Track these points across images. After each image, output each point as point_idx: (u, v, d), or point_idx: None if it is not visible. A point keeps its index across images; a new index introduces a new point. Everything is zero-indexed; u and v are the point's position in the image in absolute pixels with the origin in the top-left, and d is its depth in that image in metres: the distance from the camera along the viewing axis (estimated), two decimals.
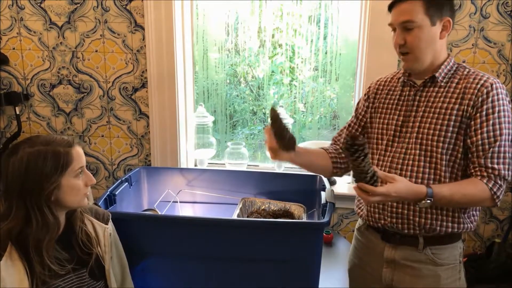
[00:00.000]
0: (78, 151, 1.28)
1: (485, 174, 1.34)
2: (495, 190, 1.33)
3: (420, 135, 1.43)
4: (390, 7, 1.42)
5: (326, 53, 2.50)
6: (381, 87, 1.59)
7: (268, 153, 1.53)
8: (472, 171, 1.37)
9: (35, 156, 1.21)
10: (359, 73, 2.30)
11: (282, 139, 1.41)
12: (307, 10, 2.46)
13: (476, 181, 1.35)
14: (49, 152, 1.22)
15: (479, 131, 1.35)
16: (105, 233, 1.38)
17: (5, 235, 1.20)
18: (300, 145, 2.41)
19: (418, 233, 1.46)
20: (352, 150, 1.23)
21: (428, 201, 1.30)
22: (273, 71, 2.63)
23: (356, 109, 1.66)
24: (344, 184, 2.44)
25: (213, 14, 2.52)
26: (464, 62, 2.13)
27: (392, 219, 1.47)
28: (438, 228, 1.43)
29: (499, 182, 1.34)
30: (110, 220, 1.44)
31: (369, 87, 1.64)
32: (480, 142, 1.35)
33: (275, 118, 1.40)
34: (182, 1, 2.32)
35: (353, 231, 2.40)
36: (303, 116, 2.66)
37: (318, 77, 2.54)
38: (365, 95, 1.64)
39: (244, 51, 2.61)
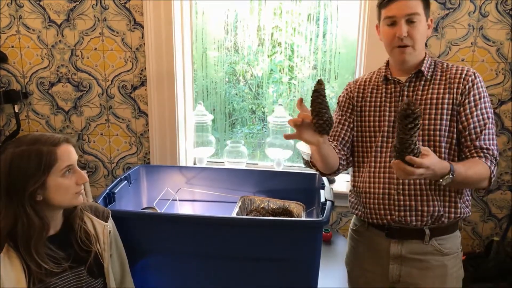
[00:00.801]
0: (65, 149, 1.26)
1: (481, 154, 1.44)
2: (492, 168, 1.43)
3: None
4: (390, 0, 1.45)
5: (325, 52, 2.50)
6: (362, 87, 1.63)
7: (289, 129, 1.43)
8: (468, 154, 1.46)
9: (19, 156, 1.21)
10: (358, 71, 2.30)
11: (320, 118, 1.29)
12: (307, 8, 2.45)
13: (479, 161, 1.43)
14: (32, 152, 1.21)
15: (470, 116, 1.46)
16: (105, 231, 1.38)
17: (1, 234, 1.21)
18: (300, 143, 2.42)
19: (425, 224, 1.51)
20: (413, 117, 1.19)
21: (451, 176, 1.33)
22: (272, 70, 2.63)
23: (340, 107, 1.66)
24: (343, 183, 2.44)
25: (212, 13, 2.52)
26: (463, 60, 2.14)
27: (400, 212, 1.51)
28: (444, 214, 1.50)
29: (494, 161, 1.45)
30: (110, 217, 1.44)
31: (349, 87, 1.67)
32: (472, 126, 1.45)
33: (320, 92, 1.28)
34: None
35: None
36: None
37: (317, 75, 2.54)
38: (346, 94, 1.66)
39: (243, 49, 2.61)
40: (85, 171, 2.49)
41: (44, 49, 2.43)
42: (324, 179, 1.87)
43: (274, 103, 2.62)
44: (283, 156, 2.48)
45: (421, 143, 1.47)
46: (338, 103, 1.68)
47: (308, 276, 1.57)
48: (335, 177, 2.44)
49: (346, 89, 1.67)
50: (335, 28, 2.44)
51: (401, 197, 1.51)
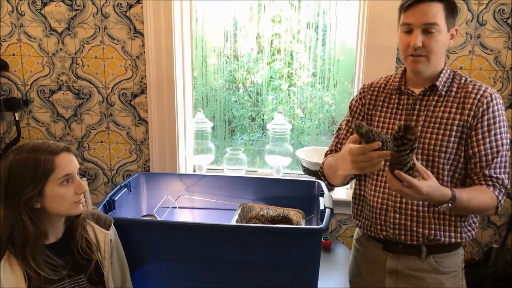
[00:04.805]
0: (64, 158, 1.25)
1: (490, 183, 1.37)
2: (500, 198, 1.37)
3: (421, 145, 1.42)
4: (409, 6, 1.37)
5: (324, 59, 2.51)
6: (375, 93, 1.56)
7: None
8: (476, 181, 1.38)
9: (17, 163, 1.22)
10: (357, 79, 2.31)
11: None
12: (306, 16, 2.47)
13: (486, 189, 1.36)
14: (30, 160, 1.22)
15: (482, 142, 1.37)
16: (106, 239, 1.39)
17: (2, 239, 1.22)
18: (300, 150, 2.43)
19: (421, 243, 1.46)
20: (399, 143, 1.16)
21: (450, 204, 1.28)
22: (271, 77, 2.64)
23: (352, 112, 1.61)
24: (343, 190, 2.45)
25: (212, 20, 2.54)
26: (461, 68, 2.15)
27: (395, 230, 1.47)
28: (442, 238, 1.43)
29: (503, 190, 1.38)
30: (112, 225, 1.44)
31: (362, 91, 1.60)
32: (483, 152, 1.37)
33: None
34: (182, 7, 2.34)
35: (351, 237, 2.41)
36: (302, 121, 2.67)
37: (316, 83, 2.56)
38: (359, 99, 1.60)
39: (243, 57, 2.63)
40: (85, 179, 2.50)
41: (45, 57, 2.44)
42: (323, 186, 1.88)
43: (274, 110, 2.63)
44: (283, 164, 2.49)
45: (424, 162, 1.41)
46: (350, 107, 1.63)
47: (308, 284, 1.57)
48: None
49: (360, 93, 1.60)
50: (334, 36, 2.45)
51: (397, 215, 1.46)
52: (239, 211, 1.89)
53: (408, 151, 1.17)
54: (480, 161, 1.37)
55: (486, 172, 1.37)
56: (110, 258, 1.40)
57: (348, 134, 1.60)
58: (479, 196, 1.35)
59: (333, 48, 2.47)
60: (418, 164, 1.26)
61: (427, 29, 1.35)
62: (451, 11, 1.37)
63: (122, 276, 1.48)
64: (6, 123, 2.56)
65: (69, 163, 1.27)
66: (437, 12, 1.34)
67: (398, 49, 2.10)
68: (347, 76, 2.51)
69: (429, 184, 1.23)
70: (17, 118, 2.48)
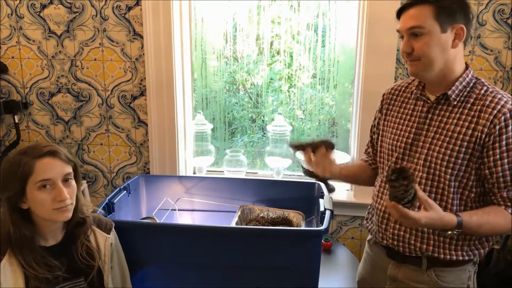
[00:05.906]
0: (46, 163, 1.22)
1: (509, 204, 1.30)
2: None
3: (429, 158, 1.36)
4: (399, 14, 1.34)
5: (324, 60, 2.51)
6: (394, 97, 1.52)
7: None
8: (495, 201, 1.33)
9: (6, 163, 1.24)
10: (357, 80, 2.31)
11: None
12: (306, 17, 2.46)
13: (502, 211, 1.30)
14: (14, 160, 1.22)
15: (500, 163, 1.28)
16: (106, 243, 1.38)
17: (2, 239, 1.23)
18: (299, 152, 2.42)
19: (421, 255, 1.41)
20: (392, 184, 1.17)
21: (455, 232, 1.25)
22: (271, 79, 2.64)
23: (376, 118, 1.61)
24: (343, 191, 2.44)
25: (212, 22, 2.53)
26: None
27: (394, 241, 1.43)
28: (442, 256, 1.37)
29: None
30: (113, 229, 1.44)
31: (383, 97, 1.57)
32: (501, 174, 1.28)
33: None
34: (181, 9, 2.34)
35: (352, 238, 2.41)
36: (302, 123, 2.67)
37: (316, 84, 2.55)
38: (380, 105, 1.58)
39: (243, 58, 2.62)
40: (85, 181, 2.50)
41: (44, 60, 2.44)
42: (324, 188, 1.87)
43: (274, 111, 2.63)
44: (283, 165, 2.48)
45: (430, 176, 1.36)
46: (372, 127, 1.63)
47: (308, 285, 1.56)
48: (335, 186, 2.44)
49: (381, 103, 1.57)
50: (334, 37, 2.45)
51: (397, 226, 1.41)
52: (239, 213, 1.88)
53: (402, 192, 1.17)
54: (497, 182, 1.29)
55: (504, 194, 1.30)
56: (110, 261, 1.40)
57: (368, 148, 1.68)
58: (492, 220, 1.29)
59: (333, 49, 2.47)
60: (421, 194, 1.23)
61: (414, 33, 1.29)
62: (445, 9, 1.28)
63: (122, 279, 1.47)
64: (5, 126, 2.55)
65: (50, 168, 1.22)
66: (422, 14, 1.28)
67: (398, 50, 2.12)
68: (347, 77, 2.50)
69: (429, 215, 1.21)
70: (16, 121, 2.47)
